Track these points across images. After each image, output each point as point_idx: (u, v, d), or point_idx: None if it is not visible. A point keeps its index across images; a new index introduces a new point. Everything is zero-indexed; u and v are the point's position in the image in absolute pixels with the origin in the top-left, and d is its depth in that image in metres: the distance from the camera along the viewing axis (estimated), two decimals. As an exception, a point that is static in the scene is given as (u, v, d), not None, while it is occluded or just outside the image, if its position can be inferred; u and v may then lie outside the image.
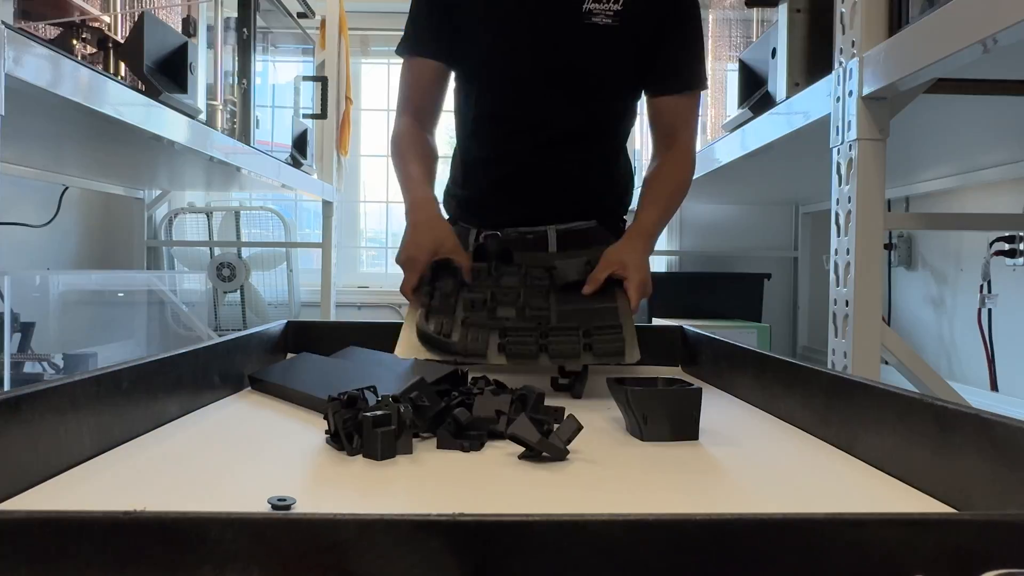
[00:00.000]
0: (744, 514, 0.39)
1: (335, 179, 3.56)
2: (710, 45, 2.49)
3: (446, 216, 1.41)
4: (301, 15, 3.13)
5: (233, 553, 0.37)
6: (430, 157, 1.35)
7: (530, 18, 1.29)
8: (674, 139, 1.35)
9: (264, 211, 3.73)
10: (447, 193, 1.45)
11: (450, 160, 1.47)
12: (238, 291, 3.62)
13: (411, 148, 1.34)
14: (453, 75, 1.40)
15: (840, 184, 1.29)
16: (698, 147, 2.45)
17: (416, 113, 1.36)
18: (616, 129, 1.39)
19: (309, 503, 0.59)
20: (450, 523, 0.37)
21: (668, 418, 0.81)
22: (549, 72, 1.30)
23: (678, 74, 1.34)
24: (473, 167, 1.39)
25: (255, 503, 0.58)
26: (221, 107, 2.35)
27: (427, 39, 1.34)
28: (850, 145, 1.25)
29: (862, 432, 0.74)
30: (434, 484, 0.67)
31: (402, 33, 1.38)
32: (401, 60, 1.39)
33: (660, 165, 1.36)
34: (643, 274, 1.19)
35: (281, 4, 2.91)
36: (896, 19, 1.20)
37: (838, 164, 1.30)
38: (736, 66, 2.01)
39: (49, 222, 2.95)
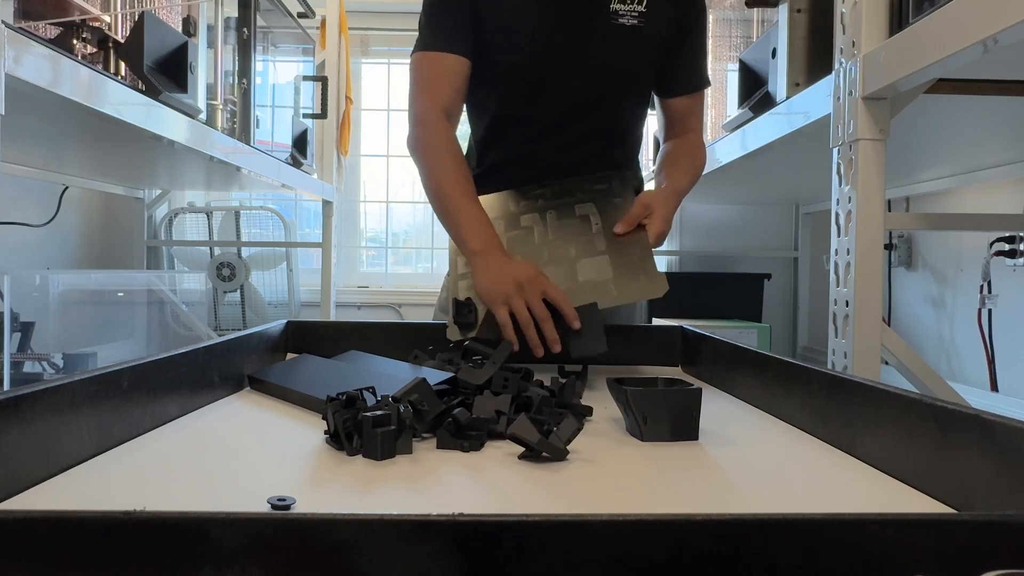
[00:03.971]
0: (744, 514, 0.39)
1: (335, 179, 3.56)
2: (710, 45, 2.49)
3: None
4: (301, 15, 3.13)
5: (233, 553, 0.37)
6: (468, 169, 1.30)
7: (560, 20, 1.30)
8: (686, 130, 1.43)
9: (264, 211, 3.73)
10: None
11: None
12: (238, 291, 3.62)
13: (455, 167, 1.27)
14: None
15: (840, 184, 1.29)
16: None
17: (445, 108, 1.30)
18: (634, 127, 1.44)
19: (309, 503, 0.59)
20: (450, 523, 0.37)
21: (668, 418, 0.81)
22: (580, 72, 1.32)
23: (693, 76, 1.41)
24: (498, 167, 1.38)
25: (255, 503, 0.58)
26: (221, 107, 2.35)
27: (454, 35, 1.30)
28: (850, 145, 1.25)
29: (862, 432, 0.74)
30: (434, 484, 0.67)
31: (410, 33, 1.35)
32: (409, 58, 1.34)
33: (681, 145, 1.41)
34: (667, 224, 1.23)
35: (281, 4, 2.91)
36: (896, 19, 1.20)
37: (838, 164, 1.30)
38: (736, 66, 2.01)
39: (49, 222, 2.95)
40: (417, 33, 1.35)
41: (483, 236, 1.19)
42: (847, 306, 1.26)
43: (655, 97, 1.44)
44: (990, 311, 2.39)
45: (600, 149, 1.37)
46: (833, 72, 1.33)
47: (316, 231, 3.72)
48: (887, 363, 1.30)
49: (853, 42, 1.26)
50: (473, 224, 1.21)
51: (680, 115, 1.42)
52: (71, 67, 1.39)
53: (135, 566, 0.37)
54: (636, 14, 1.30)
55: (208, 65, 2.24)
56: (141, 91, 1.69)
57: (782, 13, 1.62)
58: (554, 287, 1.12)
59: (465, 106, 1.40)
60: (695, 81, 1.41)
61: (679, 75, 1.39)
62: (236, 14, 2.53)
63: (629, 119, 1.41)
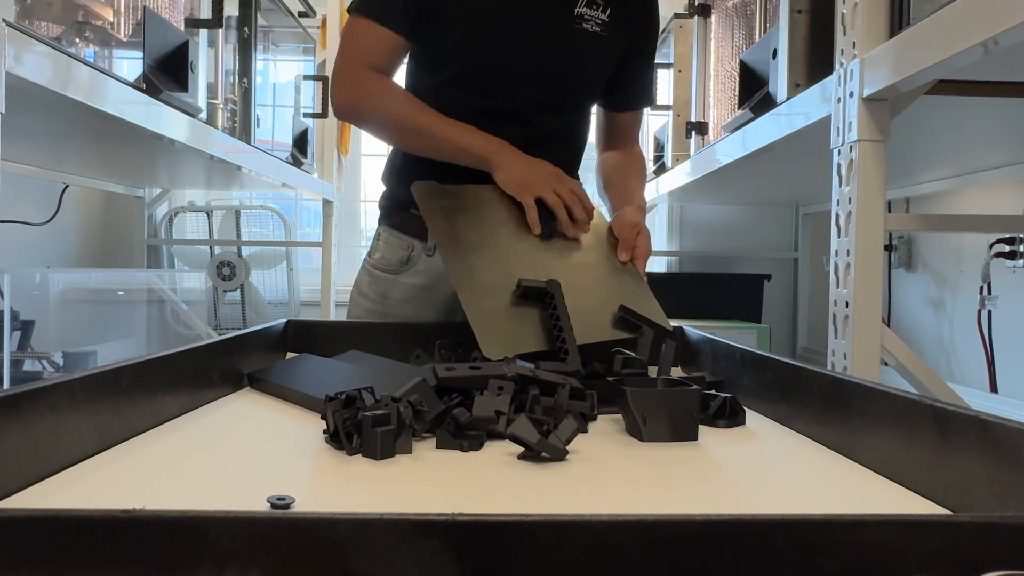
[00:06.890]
0: (744, 514, 0.39)
1: (335, 178, 3.56)
2: (712, 46, 2.49)
3: (384, 212, 1.42)
4: (302, 14, 3.14)
5: (232, 552, 0.37)
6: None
7: (525, 18, 1.30)
8: (628, 142, 1.49)
9: (264, 210, 3.73)
10: (396, 189, 1.38)
11: (396, 152, 1.41)
12: (238, 290, 3.62)
13: (406, 94, 1.29)
14: (416, 63, 1.35)
15: (840, 185, 1.29)
16: (699, 147, 2.46)
17: (377, 71, 1.28)
18: (583, 131, 1.46)
19: (308, 502, 0.59)
20: (449, 523, 0.37)
21: (668, 418, 0.81)
22: (542, 72, 1.32)
23: (641, 93, 1.48)
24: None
25: (254, 502, 0.58)
26: (222, 106, 2.35)
27: (399, 12, 1.26)
28: (851, 146, 1.25)
29: (861, 434, 0.74)
30: (433, 484, 0.67)
31: None
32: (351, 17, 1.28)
33: (628, 158, 1.47)
34: (649, 241, 1.27)
35: (282, 3, 2.91)
36: (897, 20, 1.20)
37: (839, 165, 1.30)
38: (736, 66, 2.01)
39: (49, 220, 2.95)
40: None
41: (492, 139, 1.23)
42: (847, 307, 1.26)
43: (598, 107, 1.48)
44: (990, 312, 2.39)
45: (558, 148, 1.36)
46: (834, 73, 1.33)
47: (316, 230, 3.72)
48: (887, 364, 1.30)
49: (854, 43, 1.26)
50: (473, 134, 1.24)
51: (625, 127, 1.48)
52: (72, 65, 1.39)
53: (134, 565, 0.37)
54: (600, 22, 1.33)
55: (209, 64, 2.24)
56: (142, 90, 1.68)
57: (783, 14, 1.62)
58: (575, 183, 1.21)
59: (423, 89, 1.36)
60: (644, 98, 1.48)
61: (632, 90, 1.44)
62: (236, 13, 2.53)
63: (583, 120, 1.43)
